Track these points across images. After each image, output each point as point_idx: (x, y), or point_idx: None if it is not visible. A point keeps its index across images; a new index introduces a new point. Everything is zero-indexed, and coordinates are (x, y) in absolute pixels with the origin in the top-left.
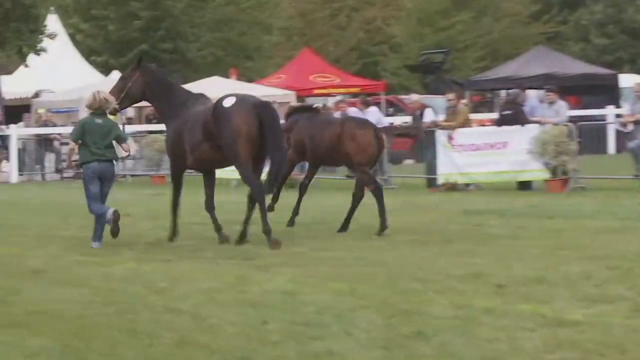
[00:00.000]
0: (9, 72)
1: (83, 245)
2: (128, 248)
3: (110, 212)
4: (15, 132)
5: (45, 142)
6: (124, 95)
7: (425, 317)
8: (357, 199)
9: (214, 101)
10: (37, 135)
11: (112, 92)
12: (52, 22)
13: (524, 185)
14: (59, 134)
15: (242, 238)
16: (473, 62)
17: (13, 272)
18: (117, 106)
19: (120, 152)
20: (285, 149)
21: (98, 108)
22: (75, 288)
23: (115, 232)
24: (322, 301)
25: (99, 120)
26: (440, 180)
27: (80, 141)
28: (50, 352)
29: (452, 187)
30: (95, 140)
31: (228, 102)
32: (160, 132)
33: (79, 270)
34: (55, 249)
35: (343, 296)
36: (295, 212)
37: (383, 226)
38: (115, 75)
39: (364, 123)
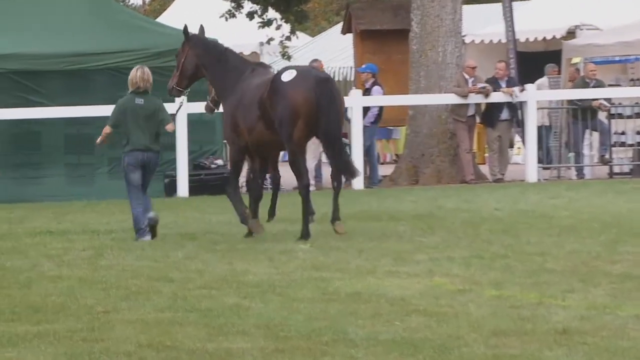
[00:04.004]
0: None
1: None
2: None
3: (146, 221)
4: (534, 97)
5: (584, 114)
6: (179, 74)
7: None
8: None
9: (273, 73)
10: (570, 103)
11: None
12: None
13: None
14: (606, 99)
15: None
16: None
17: (531, 331)
18: (177, 87)
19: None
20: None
21: (136, 88)
22: None
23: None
24: None
25: (139, 101)
26: None
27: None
28: None
29: None
30: (136, 124)
31: (287, 76)
32: None
33: (632, 339)
34: (598, 295)
35: None
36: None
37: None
38: None
39: None
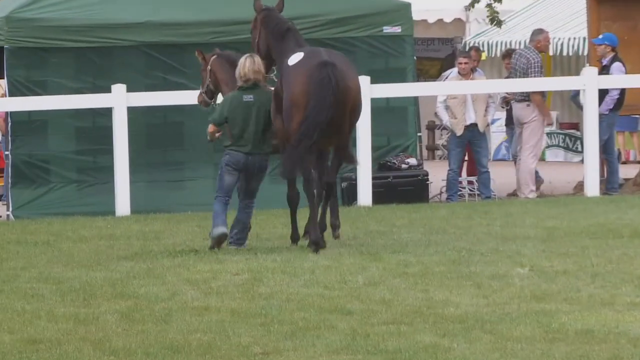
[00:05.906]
0: None
1: None
2: None
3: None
4: None
5: None
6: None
7: None
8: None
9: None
10: None
11: None
12: None
13: None
14: None
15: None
16: None
17: None
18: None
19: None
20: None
21: (245, 81)
22: None
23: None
24: None
25: (248, 98)
26: None
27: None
28: None
29: None
30: (240, 123)
31: (293, 59)
32: None
33: None
34: None
35: None
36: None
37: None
38: None
39: None
